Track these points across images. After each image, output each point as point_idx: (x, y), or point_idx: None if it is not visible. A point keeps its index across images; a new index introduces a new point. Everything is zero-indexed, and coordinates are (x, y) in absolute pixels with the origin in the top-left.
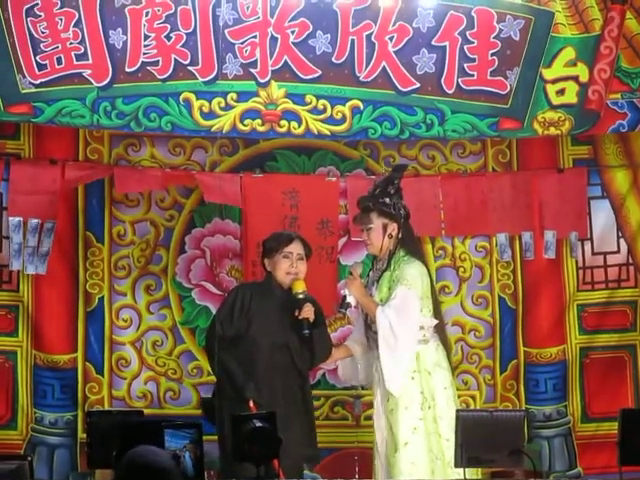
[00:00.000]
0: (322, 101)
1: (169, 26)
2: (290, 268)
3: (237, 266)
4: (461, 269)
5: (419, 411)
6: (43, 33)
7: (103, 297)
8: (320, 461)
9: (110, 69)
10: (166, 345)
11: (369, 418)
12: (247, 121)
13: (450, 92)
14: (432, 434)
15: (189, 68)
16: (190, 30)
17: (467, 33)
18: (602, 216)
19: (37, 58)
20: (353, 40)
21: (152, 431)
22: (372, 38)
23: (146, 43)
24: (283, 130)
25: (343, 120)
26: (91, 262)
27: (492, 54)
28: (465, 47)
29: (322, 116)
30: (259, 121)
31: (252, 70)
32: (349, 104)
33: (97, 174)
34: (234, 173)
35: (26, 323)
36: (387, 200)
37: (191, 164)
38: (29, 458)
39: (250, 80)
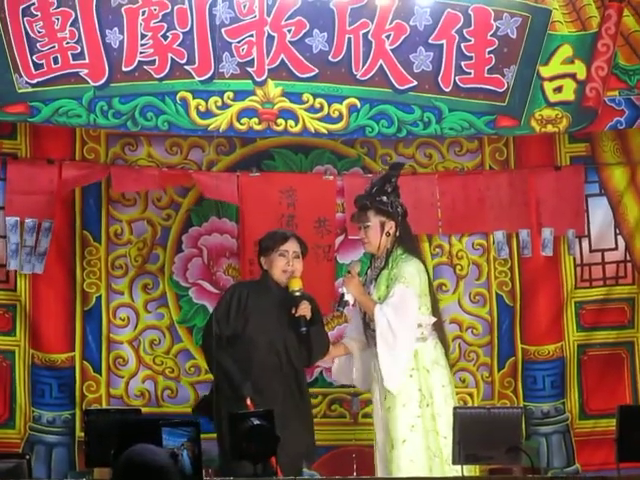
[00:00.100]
0: (319, 100)
1: (165, 25)
2: (286, 266)
3: (234, 265)
4: (458, 267)
5: (417, 409)
6: (39, 33)
7: (100, 296)
8: (318, 459)
9: (107, 68)
10: (163, 344)
11: (367, 416)
12: (244, 120)
13: (447, 90)
14: (430, 432)
15: (186, 67)
16: (187, 29)
17: (464, 31)
18: (600, 213)
19: (34, 58)
20: (350, 38)
21: (150, 429)
22: (369, 36)
23: (142, 42)
24: (280, 129)
25: (340, 118)
26: (88, 261)
27: (489, 52)
28: (462, 45)
29: (319, 114)
30: (256, 120)
31: (249, 69)
32: (346, 102)
33: (94, 176)
34: (231, 172)
35: (23, 322)
36: (384, 198)
37: (188, 163)
38: (27, 457)
39: (247, 79)
